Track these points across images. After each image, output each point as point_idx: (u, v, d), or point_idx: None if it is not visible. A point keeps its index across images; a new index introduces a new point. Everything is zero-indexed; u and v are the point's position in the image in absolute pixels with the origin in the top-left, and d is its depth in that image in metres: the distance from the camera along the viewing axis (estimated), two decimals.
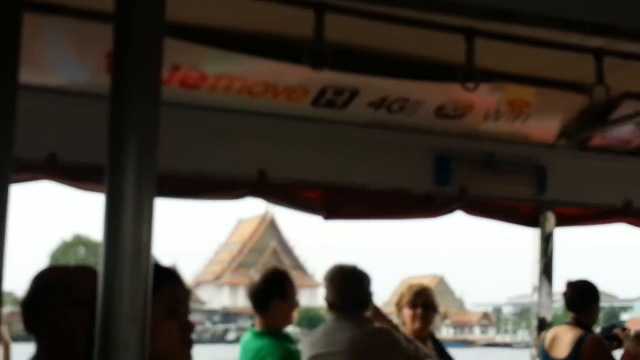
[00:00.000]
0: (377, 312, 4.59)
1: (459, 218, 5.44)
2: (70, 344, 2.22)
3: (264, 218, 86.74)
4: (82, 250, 73.40)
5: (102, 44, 3.78)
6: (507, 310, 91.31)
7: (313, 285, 77.83)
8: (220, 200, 4.97)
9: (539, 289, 5.72)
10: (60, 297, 2.40)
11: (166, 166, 4.11)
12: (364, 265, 4.53)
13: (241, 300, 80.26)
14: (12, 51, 1.63)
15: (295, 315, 4.70)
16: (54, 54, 4.12)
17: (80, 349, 2.18)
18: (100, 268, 0.99)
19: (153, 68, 1.05)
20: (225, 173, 4.76)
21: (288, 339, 4.63)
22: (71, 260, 69.64)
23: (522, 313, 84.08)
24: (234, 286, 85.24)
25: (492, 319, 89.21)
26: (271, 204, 5.02)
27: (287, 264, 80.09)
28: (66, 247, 74.52)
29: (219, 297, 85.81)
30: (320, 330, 4.53)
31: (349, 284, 4.39)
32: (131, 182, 1.00)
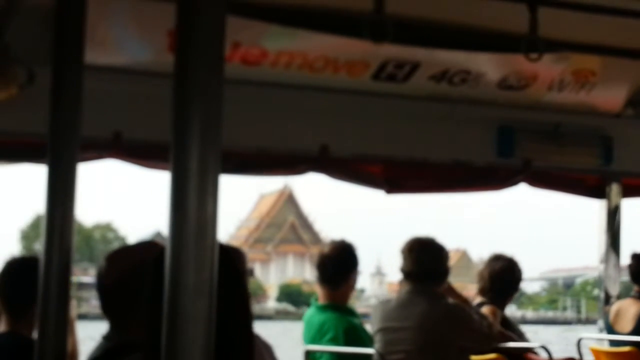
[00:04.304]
0: (450, 288, 4.57)
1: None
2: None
3: (282, 192, 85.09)
4: None
5: (163, 22, 3.82)
6: (537, 286, 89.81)
7: None
8: (282, 176, 5.01)
9: (605, 262, 5.64)
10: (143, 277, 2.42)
11: (228, 142, 4.13)
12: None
13: (258, 276, 79.60)
14: (77, 32, 1.66)
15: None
16: (117, 34, 4.18)
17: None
18: (166, 242, 1.01)
19: (215, 45, 1.06)
20: (286, 148, 4.78)
21: (351, 312, 4.65)
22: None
23: (550, 288, 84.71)
24: (249, 262, 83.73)
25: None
26: (333, 178, 5.03)
27: (305, 239, 79.39)
28: (39, 221, 74.49)
29: None
30: (393, 302, 4.52)
31: (427, 254, 4.38)
32: (195, 157, 1.01)
